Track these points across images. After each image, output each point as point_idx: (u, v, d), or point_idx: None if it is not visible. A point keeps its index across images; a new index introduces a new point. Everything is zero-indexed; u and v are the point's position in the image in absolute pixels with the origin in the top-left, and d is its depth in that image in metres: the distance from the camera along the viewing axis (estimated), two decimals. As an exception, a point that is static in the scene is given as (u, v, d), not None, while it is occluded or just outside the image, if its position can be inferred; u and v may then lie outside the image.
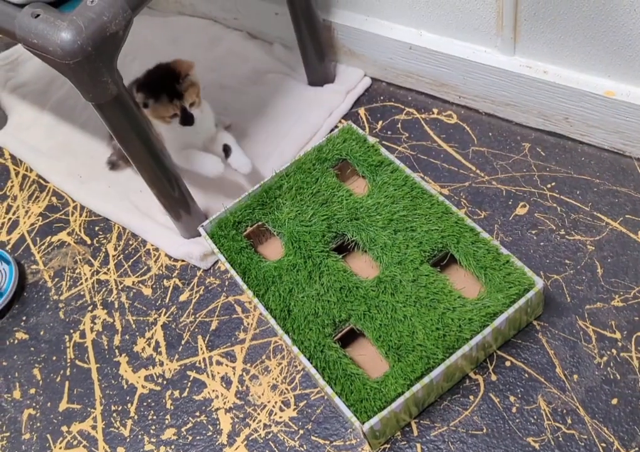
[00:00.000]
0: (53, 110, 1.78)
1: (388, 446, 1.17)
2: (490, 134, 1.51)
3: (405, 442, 1.17)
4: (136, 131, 1.19)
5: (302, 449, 1.19)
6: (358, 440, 1.18)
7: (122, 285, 1.46)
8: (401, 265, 1.24)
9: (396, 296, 1.21)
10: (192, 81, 1.36)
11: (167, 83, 1.33)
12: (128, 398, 1.31)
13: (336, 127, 1.58)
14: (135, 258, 1.49)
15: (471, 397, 1.19)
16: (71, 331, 1.42)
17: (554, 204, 1.38)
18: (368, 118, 1.60)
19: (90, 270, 1.49)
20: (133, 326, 1.40)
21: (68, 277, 1.50)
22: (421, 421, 1.18)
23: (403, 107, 1.60)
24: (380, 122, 1.58)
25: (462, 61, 1.44)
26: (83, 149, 1.68)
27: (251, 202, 1.38)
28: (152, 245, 1.50)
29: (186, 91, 1.34)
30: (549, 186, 1.40)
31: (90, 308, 1.44)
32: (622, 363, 1.18)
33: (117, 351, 1.37)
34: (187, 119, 1.36)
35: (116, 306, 1.43)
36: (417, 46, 1.48)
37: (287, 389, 1.26)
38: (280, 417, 1.24)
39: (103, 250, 1.52)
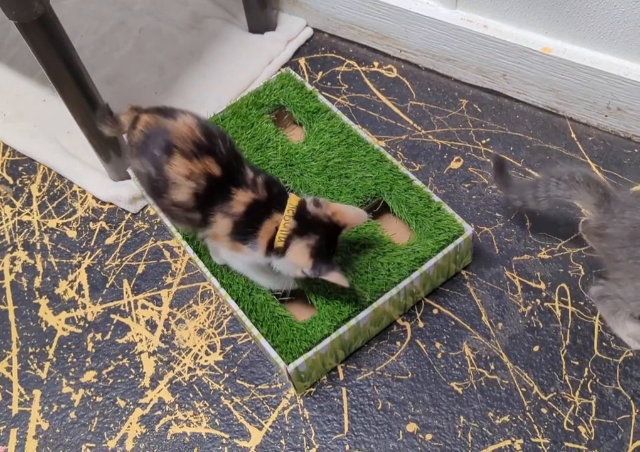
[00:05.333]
0: (-22, 45, 1.69)
1: (314, 389, 1.16)
2: (429, 89, 1.51)
3: (331, 386, 1.17)
4: (64, 58, 1.14)
5: (227, 393, 1.18)
6: (284, 384, 1.17)
7: (45, 227, 1.40)
8: (334, 211, 1.23)
9: (327, 241, 1.20)
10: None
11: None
12: (47, 340, 1.26)
13: (275, 75, 1.55)
14: (60, 200, 1.43)
15: (398, 343, 1.20)
16: (-11, 272, 1.35)
17: (488, 160, 1.39)
18: (308, 68, 1.57)
19: (12, 211, 1.43)
20: (56, 268, 1.34)
21: (-12, 218, 1.43)
22: (347, 365, 1.18)
23: (343, 58, 1.58)
24: (320, 73, 1.56)
25: (404, 13, 1.43)
26: (9, 86, 1.60)
27: (184, 145, 1.34)
28: (78, 187, 1.44)
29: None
30: (484, 141, 1.41)
31: (9, 249, 1.38)
32: (545, 313, 1.20)
33: (37, 293, 1.32)
34: None
35: (38, 248, 1.37)
36: (360, -5, 1.47)
37: (213, 333, 1.24)
38: (206, 361, 1.21)
39: (27, 190, 1.46)
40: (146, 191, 1.10)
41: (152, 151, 1.02)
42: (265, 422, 1.14)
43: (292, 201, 1.04)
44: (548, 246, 1.27)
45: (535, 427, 1.10)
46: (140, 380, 1.20)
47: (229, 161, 1.03)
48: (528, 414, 1.11)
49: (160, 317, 1.26)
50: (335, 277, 1.02)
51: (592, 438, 1.08)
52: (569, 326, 1.18)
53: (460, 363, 1.17)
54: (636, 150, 1.36)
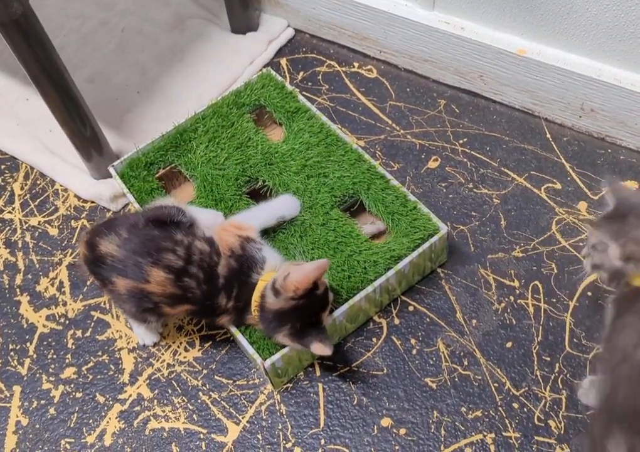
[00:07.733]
0: (-40, 43, 1.69)
1: (291, 385, 1.18)
2: (408, 89, 1.53)
3: (307, 382, 1.19)
4: (44, 58, 1.15)
5: (205, 388, 1.19)
6: (261, 379, 1.19)
7: (26, 225, 1.41)
8: (312, 209, 1.25)
9: (304, 239, 1.22)
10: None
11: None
12: (27, 337, 1.27)
13: (257, 75, 1.57)
14: (42, 198, 1.45)
15: (374, 339, 1.22)
16: (-30, 269, 1.36)
17: (465, 159, 1.41)
18: (290, 68, 1.59)
19: (-7, 209, 1.44)
20: (37, 265, 1.36)
21: (-30, 216, 1.44)
22: (324, 362, 1.20)
23: (324, 59, 1.60)
24: (301, 73, 1.58)
25: (383, 14, 1.45)
26: (-9, 85, 1.60)
27: (164, 144, 1.35)
28: (60, 186, 1.45)
29: None
30: (461, 141, 1.44)
31: (-9, 247, 1.39)
32: (518, 310, 1.23)
33: (18, 290, 1.33)
34: None
35: (19, 246, 1.38)
36: (340, -3, 1.48)
37: (192, 330, 1.26)
38: (185, 357, 1.23)
39: (9, 189, 1.47)
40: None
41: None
42: (243, 417, 1.16)
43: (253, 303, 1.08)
44: (522, 244, 1.29)
45: (506, 421, 1.12)
46: (120, 376, 1.22)
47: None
48: (499, 408, 1.13)
49: (140, 314, 1.28)
50: (315, 347, 1.04)
51: (562, 432, 1.11)
52: (541, 323, 1.21)
53: (434, 359, 1.19)
54: (609, 151, 1.39)
